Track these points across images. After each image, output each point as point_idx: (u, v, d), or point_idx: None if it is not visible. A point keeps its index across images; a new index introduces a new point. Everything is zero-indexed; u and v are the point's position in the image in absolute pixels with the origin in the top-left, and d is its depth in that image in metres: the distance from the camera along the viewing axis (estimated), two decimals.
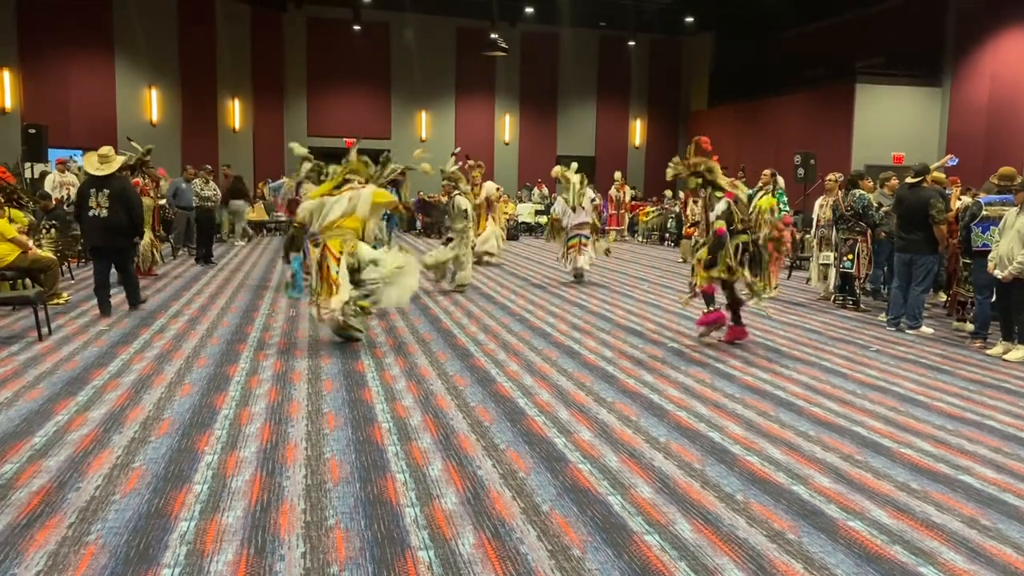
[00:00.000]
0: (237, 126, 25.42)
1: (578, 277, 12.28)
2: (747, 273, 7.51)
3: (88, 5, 20.30)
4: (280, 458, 4.40)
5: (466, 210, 11.00)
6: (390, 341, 7.56)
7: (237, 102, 25.30)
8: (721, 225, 7.40)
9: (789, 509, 3.88)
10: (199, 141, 22.97)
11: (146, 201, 11.38)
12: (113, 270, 8.88)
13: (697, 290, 7.76)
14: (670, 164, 7.79)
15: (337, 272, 7.13)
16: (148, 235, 11.32)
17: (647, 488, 4.09)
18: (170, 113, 22.89)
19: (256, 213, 20.98)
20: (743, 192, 7.64)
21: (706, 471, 4.35)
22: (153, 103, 22.27)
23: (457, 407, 5.43)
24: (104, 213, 8.55)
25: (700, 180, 7.59)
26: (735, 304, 7.78)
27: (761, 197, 7.52)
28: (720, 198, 7.49)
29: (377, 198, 7.55)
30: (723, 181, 7.60)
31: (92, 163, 8.72)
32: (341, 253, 7.20)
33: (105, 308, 8.59)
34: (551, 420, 5.18)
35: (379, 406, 5.41)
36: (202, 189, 14.36)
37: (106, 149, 8.81)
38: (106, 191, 8.56)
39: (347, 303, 7.10)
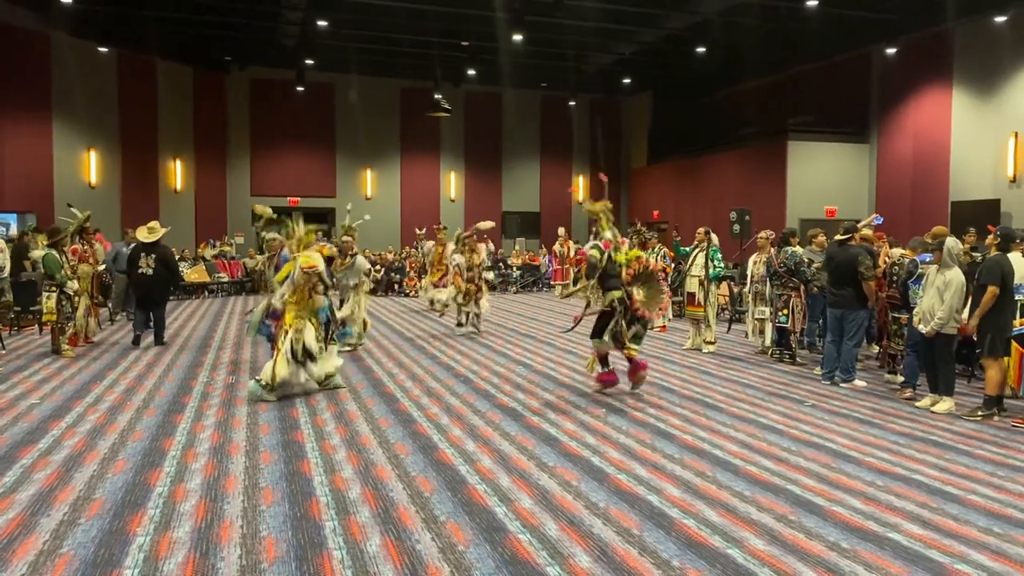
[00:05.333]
0: (179, 187, 25.21)
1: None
2: (629, 336, 8.12)
3: (25, 66, 20.07)
4: (215, 537, 4.32)
5: (369, 270, 11.88)
6: (331, 407, 7.50)
7: (179, 163, 25.14)
8: (591, 252, 8.13)
9: (723, 574, 3.94)
10: (139, 202, 22.70)
11: (85, 268, 11.22)
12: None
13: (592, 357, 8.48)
14: (586, 201, 8.85)
15: (281, 345, 7.87)
16: (86, 301, 11.10)
17: (585, 558, 4.11)
18: (109, 174, 22.64)
19: (197, 274, 20.75)
20: (622, 252, 8.38)
21: (644, 537, 4.39)
22: (92, 165, 22.00)
23: (398, 477, 5.40)
24: (150, 272, 11.31)
25: (600, 218, 8.44)
26: (603, 358, 8.38)
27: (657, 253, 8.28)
28: (603, 239, 8.23)
29: (304, 262, 7.97)
30: (608, 232, 8.33)
31: (143, 233, 11.51)
32: (289, 328, 7.85)
33: (136, 341, 11.31)
34: (492, 488, 5.19)
35: (318, 478, 5.35)
36: None
37: (153, 223, 11.77)
38: (153, 255, 11.32)
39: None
